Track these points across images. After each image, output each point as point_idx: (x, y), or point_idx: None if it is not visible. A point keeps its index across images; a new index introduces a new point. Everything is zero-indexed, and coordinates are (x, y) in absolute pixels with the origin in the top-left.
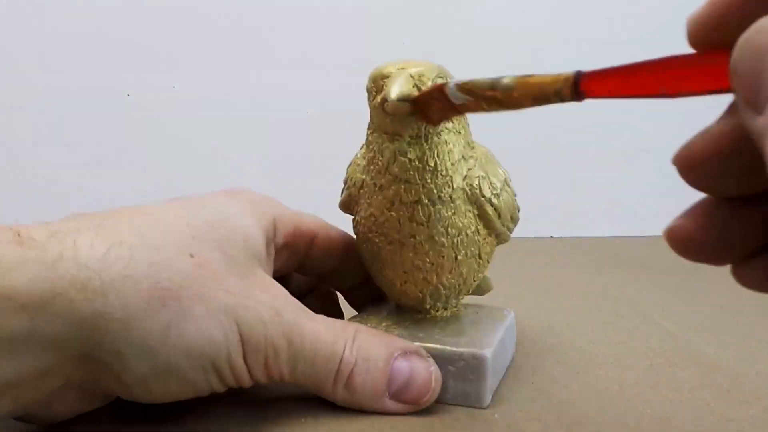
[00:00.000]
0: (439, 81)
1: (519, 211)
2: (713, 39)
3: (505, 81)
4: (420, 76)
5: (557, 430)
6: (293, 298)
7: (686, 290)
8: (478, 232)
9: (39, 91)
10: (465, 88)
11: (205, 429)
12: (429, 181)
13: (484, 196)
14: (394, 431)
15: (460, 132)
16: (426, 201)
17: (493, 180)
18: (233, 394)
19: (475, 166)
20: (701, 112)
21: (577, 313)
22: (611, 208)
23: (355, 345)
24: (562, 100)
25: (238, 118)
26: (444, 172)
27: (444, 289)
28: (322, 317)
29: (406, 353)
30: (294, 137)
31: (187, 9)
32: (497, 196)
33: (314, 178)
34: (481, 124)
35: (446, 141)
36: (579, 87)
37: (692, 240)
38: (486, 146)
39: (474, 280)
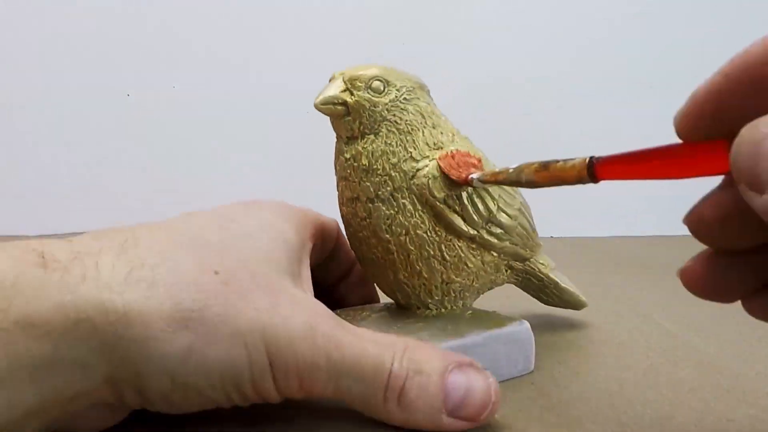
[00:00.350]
0: (376, 84)
1: (517, 218)
2: (699, 129)
3: (526, 175)
4: (353, 81)
5: (557, 430)
6: (329, 311)
7: (686, 290)
8: (435, 232)
9: (39, 91)
10: (488, 180)
11: (205, 430)
12: (364, 179)
13: (434, 197)
14: (394, 431)
15: (410, 132)
16: (364, 198)
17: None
18: None
19: (428, 166)
20: None
21: (577, 312)
22: (611, 208)
23: (405, 357)
24: (583, 183)
25: (237, 118)
26: (381, 172)
27: (408, 288)
28: (363, 330)
29: (461, 366)
30: (294, 137)
31: (187, 9)
32: (456, 197)
33: (314, 178)
34: (481, 124)
35: (386, 142)
36: (594, 174)
37: (700, 281)
38: (477, 146)
39: (447, 283)
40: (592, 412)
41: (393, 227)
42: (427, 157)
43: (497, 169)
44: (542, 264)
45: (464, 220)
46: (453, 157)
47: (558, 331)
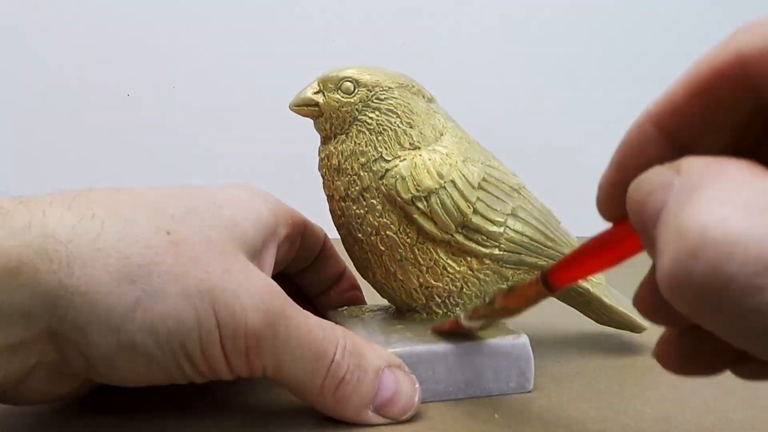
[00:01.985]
0: (346, 85)
1: (509, 225)
2: (617, 210)
3: (498, 303)
4: (325, 82)
5: (557, 429)
6: (281, 288)
7: None
8: (407, 234)
9: (39, 91)
10: (474, 316)
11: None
12: (336, 178)
13: (402, 197)
14: (394, 431)
15: (381, 132)
16: (337, 197)
17: (425, 181)
18: (235, 395)
19: (397, 166)
20: None
21: (577, 312)
22: None
23: (347, 350)
24: (545, 296)
25: (237, 118)
26: (350, 171)
27: (388, 289)
28: (309, 313)
29: (391, 366)
30: (294, 137)
31: (187, 9)
32: (422, 198)
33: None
34: (481, 124)
35: (356, 142)
36: (550, 285)
37: (676, 363)
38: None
39: (427, 287)
40: (592, 412)
41: (363, 227)
42: (399, 157)
43: (477, 305)
44: (585, 280)
45: (435, 223)
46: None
47: (558, 331)
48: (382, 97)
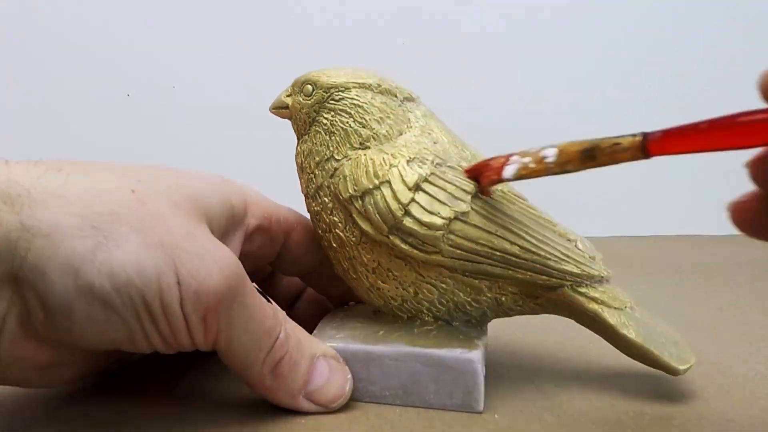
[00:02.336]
0: (307, 88)
1: (452, 230)
2: None
3: (573, 167)
4: (294, 85)
5: (557, 429)
6: (240, 262)
7: (686, 290)
8: (352, 233)
9: (39, 91)
10: (525, 175)
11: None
12: (301, 176)
13: (341, 196)
14: (396, 431)
15: (334, 132)
16: (304, 194)
17: (362, 180)
18: (233, 394)
19: (343, 165)
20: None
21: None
22: (611, 208)
23: (288, 332)
24: (631, 159)
25: (238, 118)
26: (308, 170)
27: (349, 284)
28: (259, 290)
29: (327, 357)
30: (294, 138)
31: (187, 9)
32: (358, 198)
33: None
34: (482, 124)
35: (313, 142)
36: (647, 151)
37: (749, 217)
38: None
39: (377, 288)
40: (592, 412)
41: (320, 224)
42: (347, 156)
43: (531, 163)
44: (594, 299)
45: (371, 223)
46: (479, 166)
47: (558, 330)
48: (337, 98)
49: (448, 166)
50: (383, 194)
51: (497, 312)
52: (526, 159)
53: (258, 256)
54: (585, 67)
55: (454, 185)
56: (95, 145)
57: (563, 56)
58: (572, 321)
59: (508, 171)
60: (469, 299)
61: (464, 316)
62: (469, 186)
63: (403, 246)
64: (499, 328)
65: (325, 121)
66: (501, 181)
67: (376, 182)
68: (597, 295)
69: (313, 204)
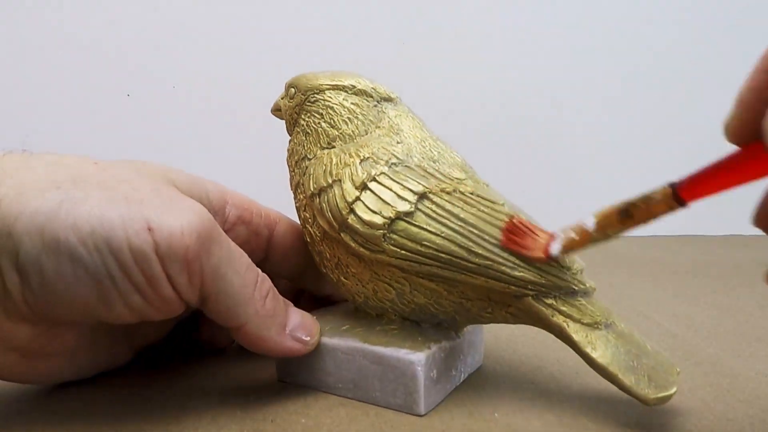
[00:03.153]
0: (291, 91)
1: (391, 229)
2: (750, 132)
3: (613, 232)
4: (285, 88)
5: (557, 429)
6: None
7: (686, 290)
8: (318, 228)
9: (39, 91)
10: (571, 249)
11: (205, 430)
12: (289, 174)
13: (305, 194)
14: (394, 431)
15: (309, 133)
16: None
17: (320, 178)
18: (232, 394)
19: (312, 164)
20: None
21: None
22: None
23: (264, 276)
24: (669, 211)
25: (238, 118)
26: (290, 168)
27: (332, 284)
28: None
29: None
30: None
31: (188, 9)
32: (317, 195)
33: None
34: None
35: (294, 142)
36: (681, 200)
37: None
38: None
39: (343, 284)
40: (592, 412)
41: (300, 219)
42: (316, 155)
43: (573, 235)
44: (561, 312)
45: (326, 220)
46: (512, 231)
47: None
48: (312, 99)
49: (405, 166)
50: (335, 192)
51: (467, 317)
52: (571, 233)
53: (246, 247)
54: (586, 66)
55: (402, 185)
56: (95, 145)
57: (566, 56)
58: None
59: (554, 248)
60: (431, 302)
61: (432, 318)
62: (418, 186)
63: (352, 244)
64: (499, 327)
65: (302, 122)
66: (550, 258)
67: (330, 180)
68: (565, 308)
69: (295, 201)
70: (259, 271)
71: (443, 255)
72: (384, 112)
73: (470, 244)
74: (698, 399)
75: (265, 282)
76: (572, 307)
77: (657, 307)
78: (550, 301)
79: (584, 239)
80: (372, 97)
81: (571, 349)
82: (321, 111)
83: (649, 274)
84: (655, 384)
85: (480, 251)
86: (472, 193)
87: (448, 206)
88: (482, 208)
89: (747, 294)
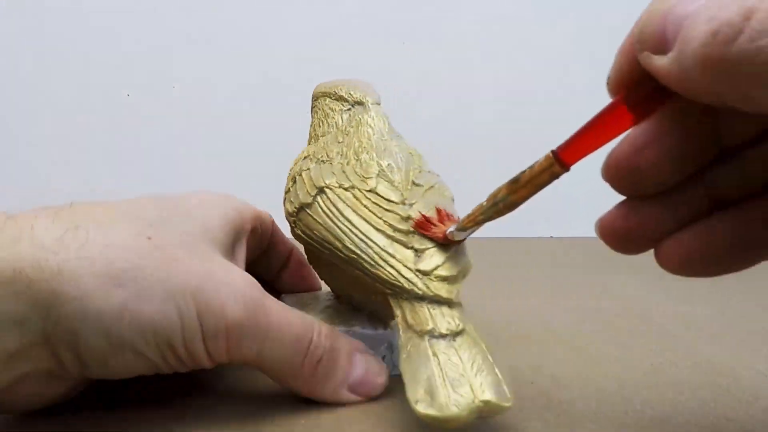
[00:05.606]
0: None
1: (305, 224)
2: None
3: (502, 201)
4: None
5: (557, 429)
6: (256, 281)
7: (686, 290)
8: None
9: (39, 91)
10: (468, 226)
11: (205, 430)
12: None
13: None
14: (395, 431)
15: (310, 142)
16: None
17: (296, 176)
18: (232, 395)
19: (302, 165)
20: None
21: (577, 313)
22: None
23: (323, 334)
24: (559, 176)
25: (238, 118)
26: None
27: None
28: (284, 304)
29: (361, 351)
30: (295, 138)
31: (188, 9)
32: (287, 192)
33: None
34: (482, 125)
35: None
36: (564, 163)
37: (616, 230)
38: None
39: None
40: (592, 412)
41: None
42: (308, 157)
43: (470, 213)
44: (401, 315)
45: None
46: (421, 226)
47: (557, 330)
48: (313, 105)
49: (329, 164)
50: (286, 182)
51: (374, 306)
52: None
53: (252, 254)
54: (586, 66)
55: (314, 181)
56: (95, 145)
57: (567, 56)
58: (572, 321)
59: (451, 228)
60: (338, 286)
61: (367, 306)
62: (323, 182)
63: (299, 233)
64: (499, 327)
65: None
66: (446, 238)
67: (291, 173)
68: (407, 310)
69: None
70: (315, 334)
71: (327, 245)
72: (353, 115)
73: (343, 237)
74: (698, 399)
75: (317, 349)
76: (412, 312)
77: (657, 307)
78: (401, 302)
79: (475, 212)
80: (347, 101)
81: (571, 350)
82: (314, 115)
83: (649, 274)
84: (435, 402)
85: (350, 245)
86: (369, 191)
87: (338, 202)
88: (371, 205)
89: (747, 294)
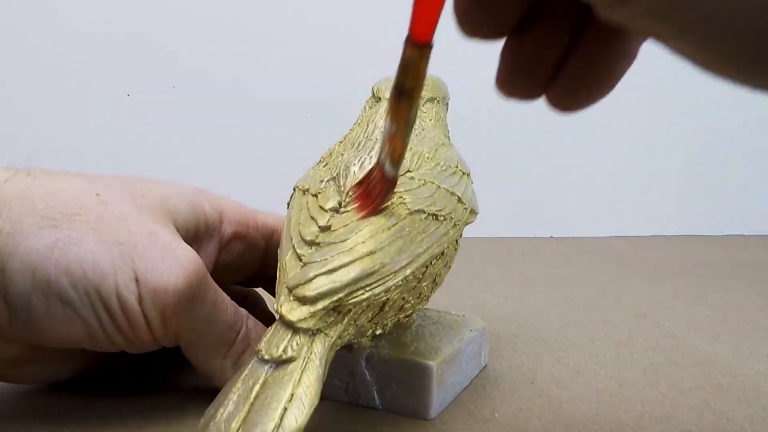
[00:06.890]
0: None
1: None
2: None
3: (394, 94)
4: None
5: (557, 429)
6: (202, 262)
7: (686, 290)
8: None
9: (39, 91)
10: (394, 159)
11: None
12: None
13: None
14: (395, 430)
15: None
16: None
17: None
18: None
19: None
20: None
21: (577, 312)
22: (611, 208)
23: (250, 327)
24: (423, 57)
25: (238, 118)
26: None
27: None
28: (222, 291)
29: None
30: (294, 138)
31: (188, 9)
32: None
33: None
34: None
35: None
36: (418, 43)
37: (505, 76)
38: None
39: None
40: (592, 412)
41: None
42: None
43: (382, 139)
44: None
45: None
46: (361, 198)
47: (557, 330)
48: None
49: (323, 165)
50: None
51: None
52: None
53: (240, 265)
54: None
55: (304, 180)
56: (95, 145)
57: None
58: (572, 321)
59: (386, 168)
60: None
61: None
62: (296, 183)
63: None
64: (499, 327)
65: None
66: (386, 176)
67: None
68: (269, 328)
69: None
70: (244, 326)
71: (288, 232)
72: (376, 112)
73: (285, 232)
74: (698, 399)
75: (243, 341)
76: (269, 332)
77: (657, 307)
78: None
79: (386, 133)
80: (380, 99)
81: (571, 350)
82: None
83: (649, 274)
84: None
85: (284, 242)
86: (314, 195)
87: (292, 207)
88: (304, 212)
89: (747, 294)
